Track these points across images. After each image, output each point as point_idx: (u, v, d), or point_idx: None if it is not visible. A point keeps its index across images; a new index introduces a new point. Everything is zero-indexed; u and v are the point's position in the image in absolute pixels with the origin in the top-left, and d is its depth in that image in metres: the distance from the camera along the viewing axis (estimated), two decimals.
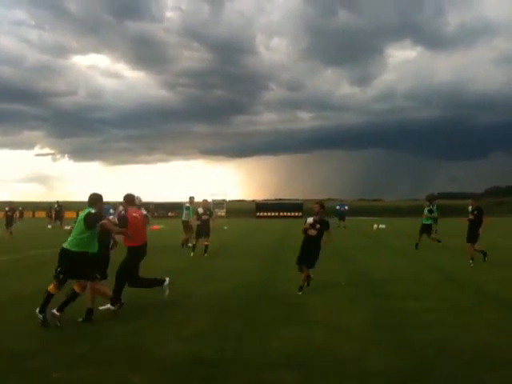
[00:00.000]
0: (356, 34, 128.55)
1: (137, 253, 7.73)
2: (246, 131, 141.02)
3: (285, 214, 52.76)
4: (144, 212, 9.00)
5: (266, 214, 55.37)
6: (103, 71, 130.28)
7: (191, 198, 18.05)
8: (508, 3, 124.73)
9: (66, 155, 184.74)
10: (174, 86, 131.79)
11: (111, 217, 8.84)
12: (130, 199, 8.01)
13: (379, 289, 9.28)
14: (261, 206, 58.04)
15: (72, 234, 6.83)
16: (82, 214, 6.87)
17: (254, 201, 62.40)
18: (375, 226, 31.10)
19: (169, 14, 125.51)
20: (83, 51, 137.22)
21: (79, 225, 6.76)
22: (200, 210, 15.24)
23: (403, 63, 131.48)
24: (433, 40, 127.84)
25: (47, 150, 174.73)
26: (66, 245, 6.76)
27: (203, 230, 15.03)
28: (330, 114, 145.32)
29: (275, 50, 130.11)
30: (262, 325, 6.61)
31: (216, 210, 59.12)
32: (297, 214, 52.62)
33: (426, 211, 16.79)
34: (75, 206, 44.15)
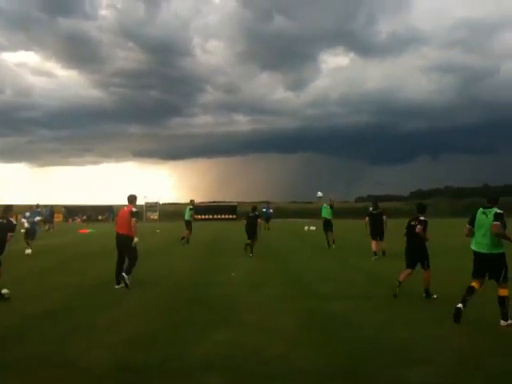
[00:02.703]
0: (291, 39, 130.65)
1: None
2: (181, 133, 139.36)
3: (219, 216, 52.68)
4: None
5: (200, 216, 54.96)
6: (33, 69, 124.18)
7: (192, 201, 21.77)
8: (435, 14, 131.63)
9: None
10: (107, 86, 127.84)
11: (37, 218, 8.94)
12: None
13: (309, 290, 9.50)
14: (196, 209, 57.67)
15: None
16: None
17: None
18: (306, 227, 31.91)
19: (103, 12, 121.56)
20: (12, 48, 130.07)
21: None
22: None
23: (336, 70, 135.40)
24: (365, 48, 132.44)
25: None
26: None
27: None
28: (266, 117, 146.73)
29: (212, 52, 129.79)
30: (192, 328, 6.55)
31: (149, 213, 58.13)
32: (231, 216, 52.76)
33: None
34: None
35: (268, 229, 30.95)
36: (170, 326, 6.72)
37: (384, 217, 15.80)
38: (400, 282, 8.77)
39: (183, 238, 20.30)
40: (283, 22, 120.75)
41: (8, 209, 9.59)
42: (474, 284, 6.92)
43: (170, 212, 60.87)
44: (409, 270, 8.96)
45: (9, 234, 9.05)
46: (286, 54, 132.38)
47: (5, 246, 9.11)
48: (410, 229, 9.19)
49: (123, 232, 10.11)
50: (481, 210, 7.11)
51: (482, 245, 6.87)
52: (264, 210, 33.57)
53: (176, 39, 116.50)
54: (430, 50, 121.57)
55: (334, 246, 18.18)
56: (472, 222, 7.18)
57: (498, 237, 6.74)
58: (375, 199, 23.37)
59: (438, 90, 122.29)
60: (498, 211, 6.90)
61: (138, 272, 10.17)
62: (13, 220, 9.51)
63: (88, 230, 32.07)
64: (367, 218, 15.98)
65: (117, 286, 9.87)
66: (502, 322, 6.59)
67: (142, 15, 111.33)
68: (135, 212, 10.35)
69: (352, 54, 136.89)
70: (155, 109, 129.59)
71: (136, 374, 4.84)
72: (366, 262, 14.04)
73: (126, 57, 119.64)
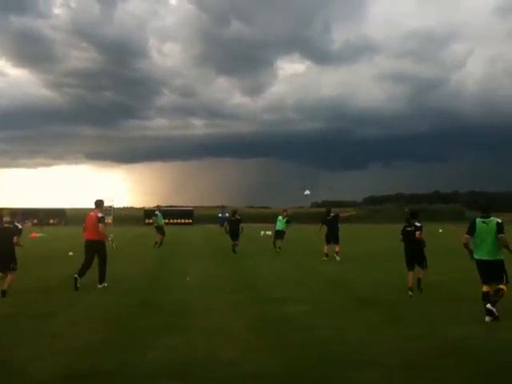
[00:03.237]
0: (248, 44, 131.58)
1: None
2: (136, 136, 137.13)
3: (175, 220, 52.09)
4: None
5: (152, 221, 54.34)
6: None
7: (159, 206, 22.79)
8: (388, 24, 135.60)
9: None
10: (60, 86, 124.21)
11: None
12: None
13: (262, 294, 9.54)
14: (150, 213, 56.78)
15: None
16: None
17: (143, 208, 60.79)
18: (262, 232, 32.03)
19: (57, 10, 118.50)
20: None
21: None
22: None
23: (292, 76, 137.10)
24: (320, 55, 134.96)
25: None
26: None
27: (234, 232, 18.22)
28: (222, 121, 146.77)
29: (168, 54, 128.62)
30: (143, 334, 6.45)
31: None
32: (187, 221, 52.40)
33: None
34: None
35: (226, 232, 30.84)
36: (121, 332, 6.60)
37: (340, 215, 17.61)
38: (411, 287, 9.39)
39: (156, 243, 21.08)
40: (240, 27, 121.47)
41: (14, 214, 10.27)
42: (485, 288, 7.46)
43: (125, 216, 59.79)
44: (411, 273, 9.58)
45: (15, 238, 9.54)
46: (242, 58, 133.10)
47: (14, 250, 9.60)
48: (407, 234, 9.85)
49: (92, 237, 10.28)
50: (479, 219, 7.50)
51: (487, 253, 7.34)
52: (220, 214, 33.66)
53: (132, 40, 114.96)
54: (383, 59, 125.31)
55: (279, 250, 19.04)
56: (471, 232, 7.55)
57: (506, 248, 7.26)
58: (329, 205, 25.30)
59: (390, 98, 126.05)
60: (499, 221, 7.43)
61: (89, 277, 9.96)
62: (18, 225, 10.05)
63: (38, 234, 31.09)
64: (320, 224, 16.86)
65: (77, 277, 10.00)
66: (488, 306, 7.17)
67: (97, 15, 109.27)
68: (101, 217, 10.40)
69: (308, 61, 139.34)
70: (109, 110, 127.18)
71: (85, 381, 4.73)
72: (320, 265, 14.26)
73: (80, 57, 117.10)
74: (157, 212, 22.00)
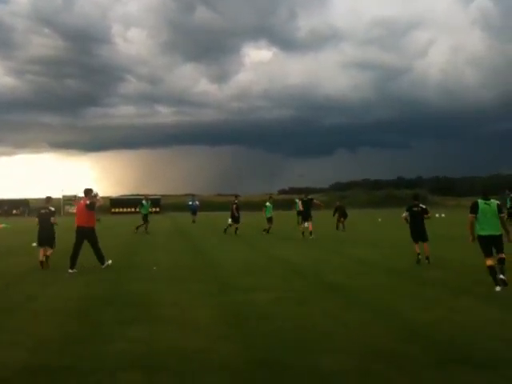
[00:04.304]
0: (214, 31, 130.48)
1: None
2: (102, 124, 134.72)
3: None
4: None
5: (121, 210, 53.59)
6: None
7: (146, 195, 25.50)
8: (352, 12, 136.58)
9: None
10: (22, 73, 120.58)
11: None
12: None
13: (230, 283, 9.51)
14: (116, 202, 56.11)
15: None
16: None
17: (109, 197, 59.84)
18: (230, 220, 31.97)
19: None
20: None
21: None
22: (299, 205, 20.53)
23: (259, 63, 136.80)
24: (286, 42, 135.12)
25: None
26: None
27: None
28: (189, 109, 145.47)
29: (133, 41, 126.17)
30: (107, 327, 6.32)
31: (67, 207, 55.78)
32: (155, 209, 51.80)
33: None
34: None
35: (194, 221, 30.80)
36: (83, 325, 6.45)
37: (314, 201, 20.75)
38: (419, 253, 11.72)
39: (138, 227, 23.66)
40: (206, 14, 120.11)
41: (49, 199, 13.08)
42: (489, 262, 8.48)
43: None
44: (417, 245, 11.86)
45: (52, 218, 12.29)
46: (209, 45, 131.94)
47: (53, 229, 12.38)
48: (414, 214, 11.99)
49: (82, 224, 11.34)
50: (481, 201, 8.72)
51: (492, 229, 8.55)
52: (190, 203, 33.54)
53: (95, 27, 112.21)
54: (348, 47, 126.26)
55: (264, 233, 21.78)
56: (474, 212, 8.69)
57: (503, 224, 8.62)
58: (306, 191, 29.05)
59: (355, 86, 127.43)
60: (498, 202, 8.82)
61: (48, 270, 9.74)
62: (52, 208, 12.58)
63: (2, 225, 30.26)
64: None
65: (70, 271, 10.94)
66: (501, 277, 8.30)
67: (59, 1, 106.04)
68: (90, 204, 11.31)
69: (275, 48, 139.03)
70: (73, 98, 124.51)
71: (45, 376, 4.61)
72: (287, 252, 14.33)
73: (43, 44, 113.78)
74: (143, 201, 23.56)
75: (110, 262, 11.70)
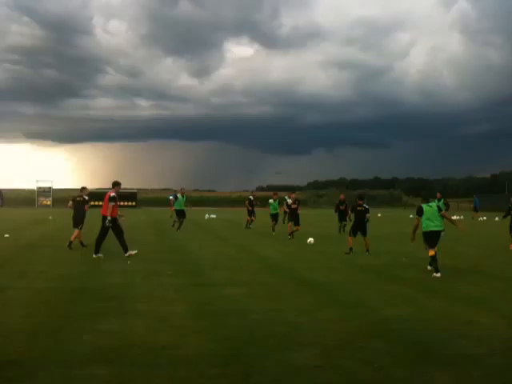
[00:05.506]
0: (196, 25, 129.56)
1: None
2: (79, 116, 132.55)
3: (118, 203, 50.84)
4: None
5: (97, 203, 52.85)
6: None
7: (182, 189, 22.37)
8: (336, 10, 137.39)
9: None
10: None
11: None
12: None
13: (203, 277, 9.53)
14: (91, 195, 55.22)
15: None
16: None
17: None
18: (207, 215, 31.96)
19: None
20: None
21: None
22: (289, 201, 18.65)
23: (241, 59, 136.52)
24: (269, 39, 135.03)
25: None
26: None
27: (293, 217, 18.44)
28: (169, 103, 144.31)
29: (113, 33, 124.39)
30: (77, 319, 6.25)
31: (41, 198, 54.77)
32: (131, 203, 51.38)
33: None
34: None
35: (171, 216, 30.64)
36: (53, 317, 6.36)
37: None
38: (351, 248, 13.01)
39: (174, 223, 22.11)
40: (188, 8, 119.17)
41: (83, 189, 14.60)
42: (431, 252, 9.97)
43: (64, 198, 57.80)
44: (351, 238, 13.27)
45: (86, 206, 14.07)
46: (190, 40, 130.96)
47: (85, 215, 14.07)
48: (357, 212, 13.30)
49: (105, 213, 12.15)
50: (424, 205, 10.27)
51: (435, 226, 10.07)
52: (171, 197, 33.20)
53: (75, 17, 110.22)
54: (330, 45, 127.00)
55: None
56: (420, 215, 10.19)
57: (447, 219, 10.42)
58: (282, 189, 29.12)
59: (335, 85, 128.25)
60: (438, 204, 11.14)
61: (20, 261, 9.57)
62: (86, 197, 14.27)
63: None
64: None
65: (94, 256, 11.89)
66: (436, 275, 9.70)
67: None
68: (112, 197, 12.15)
69: (257, 45, 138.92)
70: (51, 89, 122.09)
71: (12, 368, 4.54)
72: (261, 249, 14.40)
73: (21, 32, 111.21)
74: (178, 195, 21.81)
75: (132, 252, 12.11)
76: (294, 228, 18.02)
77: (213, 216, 31.93)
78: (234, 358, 4.91)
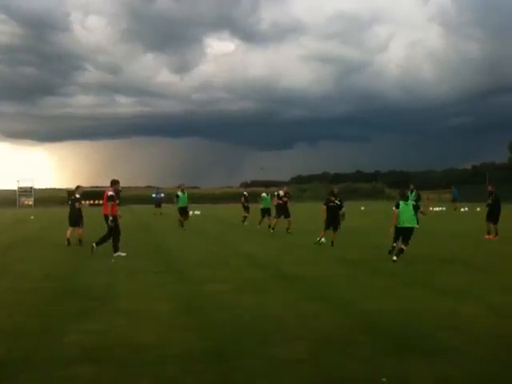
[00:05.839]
0: (176, 21, 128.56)
1: None
2: (59, 114, 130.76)
3: (101, 202, 50.29)
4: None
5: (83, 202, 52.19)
6: None
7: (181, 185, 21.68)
8: (314, 5, 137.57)
9: None
10: None
11: None
12: None
13: (188, 274, 9.50)
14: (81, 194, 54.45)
15: None
16: None
17: (66, 189, 58.34)
18: (191, 212, 31.75)
19: None
20: None
21: None
22: (281, 193, 18.27)
23: (221, 55, 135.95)
24: (249, 34, 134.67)
25: None
26: None
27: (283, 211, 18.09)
28: (150, 100, 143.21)
29: (92, 29, 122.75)
30: (60, 320, 6.18)
31: (22, 198, 54.05)
32: None
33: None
34: None
35: (160, 214, 30.47)
36: (36, 318, 6.30)
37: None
38: (320, 239, 13.66)
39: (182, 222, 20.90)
40: (168, 3, 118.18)
41: (77, 187, 15.33)
42: (404, 247, 10.81)
43: (46, 197, 57.09)
44: (324, 232, 13.67)
45: (76, 204, 14.65)
46: (170, 35, 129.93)
47: (80, 212, 14.84)
48: (330, 207, 13.65)
49: (105, 212, 12.31)
50: (402, 202, 11.12)
51: (409, 222, 10.94)
52: (154, 195, 33.15)
53: (52, 13, 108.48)
54: (309, 40, 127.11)
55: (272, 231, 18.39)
56: (397, 207, 11.01)
57: (422, 213, 12.13)
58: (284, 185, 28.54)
59: (316, 79, 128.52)
60: (413, 202, 11.79)
61: (4, 262, 9.44)
62: (77, 195, 14.82)
63: None
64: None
65: (114, 255, 11.82)
66: (394, 258, 10.66)
67: None
68: (110, 196, 12.16)
69: (237, 40, 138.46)
70: (29, 87, 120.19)
71: None
72: (245, 245, 14.40)
73: None
74: (178, 192, 20.68)
75: (121, 254, 11.90)
76: (286, 220, 17.97)
77: (197, 213, 31.80)
78: (219, 354, 4.91)
